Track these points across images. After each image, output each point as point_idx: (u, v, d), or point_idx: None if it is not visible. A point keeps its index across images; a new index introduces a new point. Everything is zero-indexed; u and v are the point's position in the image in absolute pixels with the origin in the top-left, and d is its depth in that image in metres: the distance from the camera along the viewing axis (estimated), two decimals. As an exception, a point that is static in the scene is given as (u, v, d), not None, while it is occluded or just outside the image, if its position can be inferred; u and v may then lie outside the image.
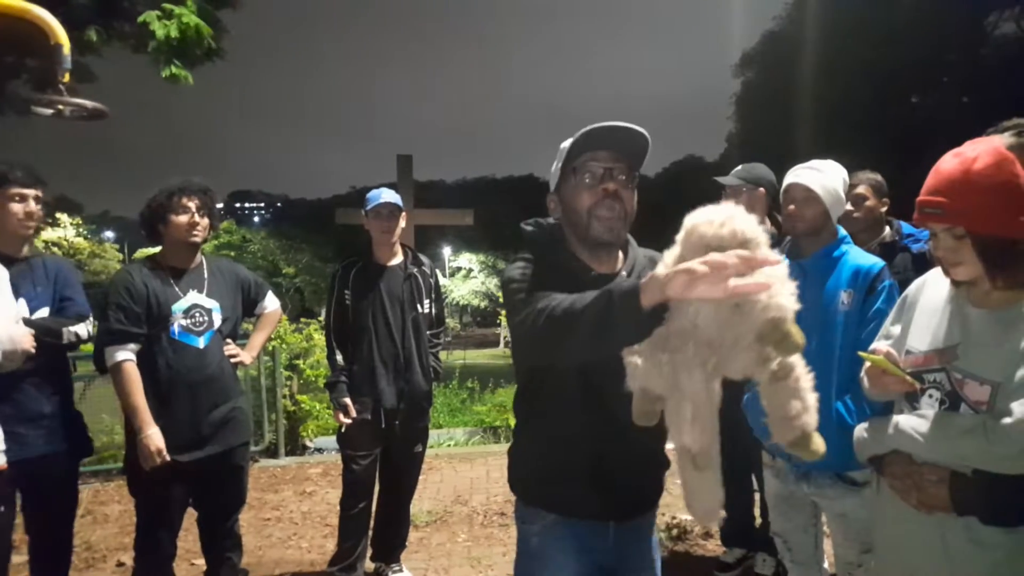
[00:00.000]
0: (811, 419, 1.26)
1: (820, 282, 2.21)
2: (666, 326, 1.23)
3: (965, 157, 1.47)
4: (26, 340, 2.28)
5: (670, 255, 1.27)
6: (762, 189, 3.17)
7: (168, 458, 2.49)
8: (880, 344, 1.71)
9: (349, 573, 3.26)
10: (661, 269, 1.23)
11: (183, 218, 2.60)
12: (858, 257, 2.22)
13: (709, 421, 1.30)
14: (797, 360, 1.26)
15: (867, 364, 1.64)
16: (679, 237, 1.25)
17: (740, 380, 1.28)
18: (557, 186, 1.57)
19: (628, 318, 1.17)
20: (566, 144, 1.52)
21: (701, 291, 1.09)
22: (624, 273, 1.58)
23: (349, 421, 3.17)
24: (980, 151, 1.46)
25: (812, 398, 1.27)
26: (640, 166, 1.54)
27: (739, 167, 3.29)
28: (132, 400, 2.49)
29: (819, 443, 1.27)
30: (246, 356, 2.87)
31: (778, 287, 1.16)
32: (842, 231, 2.30)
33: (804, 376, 1.26)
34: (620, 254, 1.63)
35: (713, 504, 1.40)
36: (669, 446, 1.60)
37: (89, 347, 2.67)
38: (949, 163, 1.49)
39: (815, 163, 2.32)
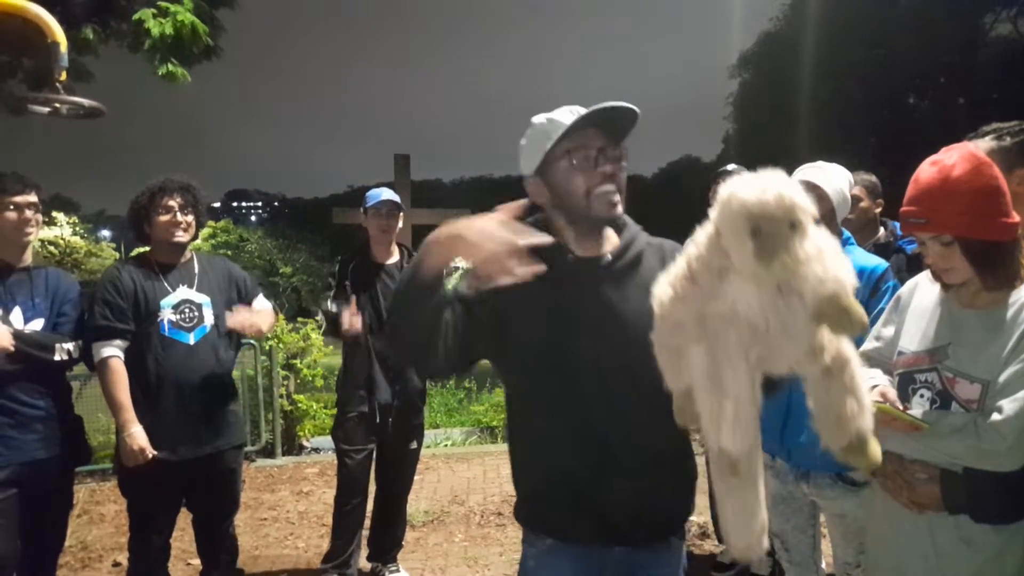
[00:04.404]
0: (868, 421, 1.14)
1: None
2: (704, 313, 1.13)
3: (943, 165, 1.49)
4: (4, 338, 2.26)
5: (702, 232, 1.16)
6: None
7: (150, 455, 2.45)
8: (882, 386, 1.64)
9: (343, 570, 3.26)
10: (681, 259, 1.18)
11: (165, 218, 2.58)
12: (862, 258, 2.23)
13: (753, 421, 1.13)
14: (852, 353, 1.14)
15: (872, 411, 1.59)
16: (713, 212, 1.12)
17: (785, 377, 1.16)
18: (541, 169, 1.45)
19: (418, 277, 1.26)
20: (542, 120, 1.44)
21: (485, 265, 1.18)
22: (610, 257, 1.47)
23: (348, 326, 3.04)
24: (956, 158, 1.48)
25: (868, 398, 1.15)
26: (623, 140, 1.46)
27: (735, 165, 3.32)
28: (116, 397, 2.46)
29: (877, 450, 1.15)
30: (245, 314, 2.70)
31: (833, 260, 1.06)
32: (845, 232, 2.31)
33: (859, 372, 1.14)
34: (612, 237, 1.52)
35: (756, 529, 1.18)
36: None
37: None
38: (927, 172, 1.51)
39: (819, 164, 2.32)
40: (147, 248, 2.71)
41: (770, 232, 1.03)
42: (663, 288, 1.20)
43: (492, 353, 1.51)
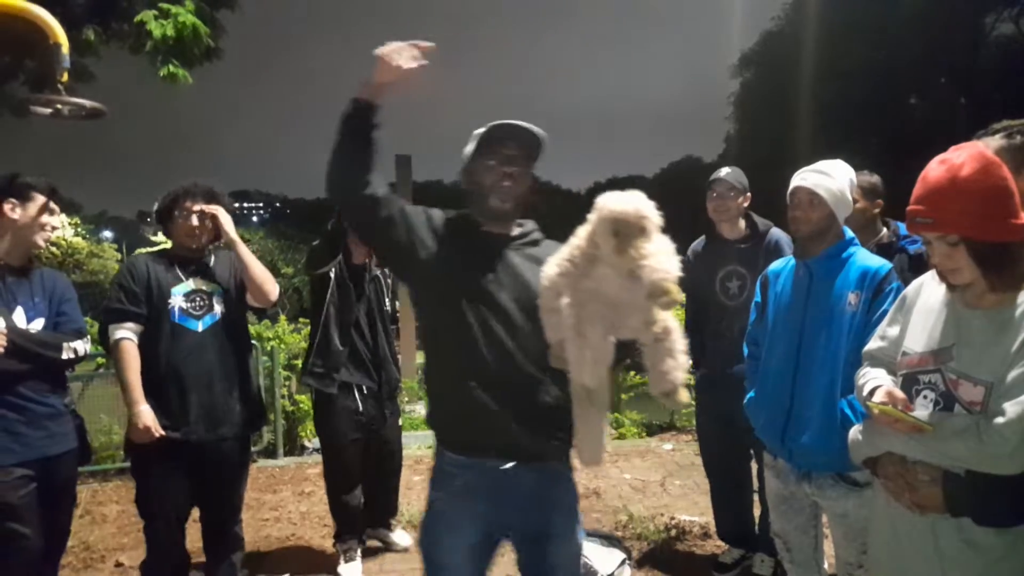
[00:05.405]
0: (681, 375, 1.56)
1: (827, 283, 2.20)
2: (577, 287, 1.58)
3: (952, 164, 1.47)
4: None
5: (583, 229, 1.59)
6: (749, 195, 3.27)
7: (156, 435, 2.52)
8: (882, 389, 1.64)
9: (351, 557, 3.39)
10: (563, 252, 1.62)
11: (183, 222, 2.70)
12: (865, 259, 2.22)
13: (604, 366, 1.60)
14: (675, 326, 1.56)
15: (876, 412, 1.57)
16: (591, 215, 1.56)
17: (630, 341, 1.60)
18: (471, 161, 1.84)
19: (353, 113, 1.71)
20: (479, 131, 1.82)
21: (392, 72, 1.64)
22: (513, 234, 1.86)
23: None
24: (965, 157, 1.47)
25: (684, 359, 1.57)
26: (536, 158, 1.85)
27: (728, 169, 3.32)
28: (126, 377, 2.56)
29: (684, 395, 1.58)
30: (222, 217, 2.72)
31: (665, 256, 1.48)
32: (849, 232, 2.29)
33: (680, 340, 1.56)
34: (518, 225, 1.91)
35: (601, 444, 1.71)
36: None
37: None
38: (936, 171, 1.49)
39: (821, 165, 2.30)
40: (152, 249, 2.78)
41: (626, 233, 1.48)
42: (551, 266, 1.65)
43: (405, 268, 1.87)
